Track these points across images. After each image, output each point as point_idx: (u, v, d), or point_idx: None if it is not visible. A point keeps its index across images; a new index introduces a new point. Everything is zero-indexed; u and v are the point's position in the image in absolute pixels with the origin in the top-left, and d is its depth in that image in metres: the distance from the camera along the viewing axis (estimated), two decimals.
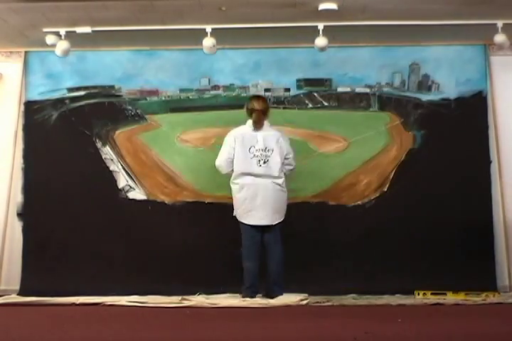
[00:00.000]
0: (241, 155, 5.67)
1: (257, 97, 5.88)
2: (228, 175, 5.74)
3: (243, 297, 5.58)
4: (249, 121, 5.74)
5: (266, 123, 5.76)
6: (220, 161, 5.74)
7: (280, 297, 5.53)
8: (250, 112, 5.75)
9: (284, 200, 5.72)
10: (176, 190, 6.31)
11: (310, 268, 6.05)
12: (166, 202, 6.32)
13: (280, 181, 5.68)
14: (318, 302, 5.49)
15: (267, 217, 5.65)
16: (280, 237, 5.71)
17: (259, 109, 5.72)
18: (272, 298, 5.54)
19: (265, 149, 5.70)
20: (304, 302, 5.42)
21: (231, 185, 5.73)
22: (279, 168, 5.68)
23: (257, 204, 5.64)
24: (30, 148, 6.37)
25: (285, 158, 5.73)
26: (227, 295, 5.81)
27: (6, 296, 5.86)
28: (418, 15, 5.59)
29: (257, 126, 5.71)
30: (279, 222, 5.69)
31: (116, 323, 4.67)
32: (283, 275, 5.64)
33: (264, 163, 5.68)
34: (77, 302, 5.48)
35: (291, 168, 5.80)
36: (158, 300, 5.52)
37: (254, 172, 5.65)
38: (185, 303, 5.42)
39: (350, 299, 5.70)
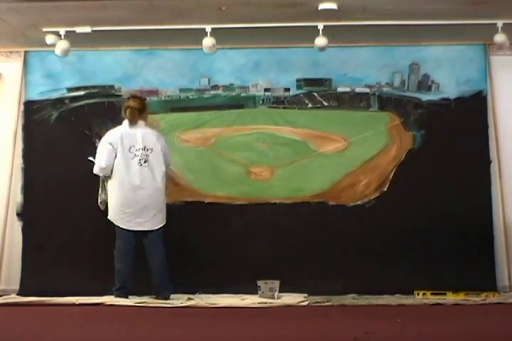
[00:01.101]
0: (121, 156, 5.62)
1: (134, 97, 5.85)
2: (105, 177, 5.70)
3: (115, 297, 5.57)
4: (125, 121, 5.73)
5: (142, 123, 5.73)
6: (103, 163, 5.62)
7: (284, 297, 5.54)
8: (125, 110, 5.73)
9: (163, 202, 5.73)
10: (175, 190, 6.29)
11: (310, 268, 6.05)
12: (166, 201, 6.30)
13: (160, 181, 5.66)
14: (318, 302, 5.48)
15: (148, 223, 5.65)
16: (162, 237, 5.69)
17: (132, 105, 5.69)
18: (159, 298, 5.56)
19: (144, 148, 5.67)
20: (305, 303, 5.42)
21: (108, 186, 5.69)
22: (160, 166, 5.67)
23: (137, 209, 5.61)
24: (29, 148, 6.37)
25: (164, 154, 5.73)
26: (227, 295, 5.81)
27: (6, 296, 5.85)
28: (418, 15, 5.58)
29: (132, 122, 5.68)
30: (161, 227, 5.70)
31: (116, 323, 4.67)
32: (167, 275, 5.64)
33: (145, 162, 5.65)
34: (77, 302, 5.47)
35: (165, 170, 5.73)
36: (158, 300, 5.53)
37: (135, 172, 5.61)
38: (186, 303, 5.42)
39: (350, 299, 5.69)
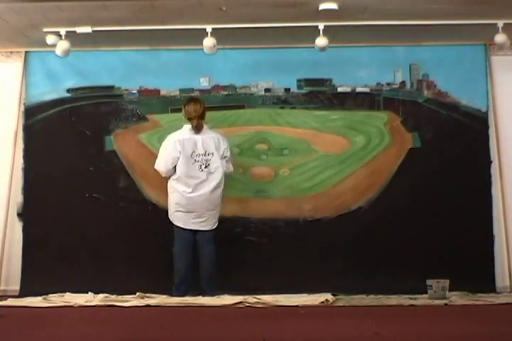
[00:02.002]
0: (183, 161, 5.73)
1: (194, 101, 5.89)
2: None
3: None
4: (187, 126, 5.82)
5: (205, 126, 5.83)
6: (163, 167, 5.80)
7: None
8: (188, 117, 5.82)
9: (219, 206, 5.84)
10: None
11: (310, 268, 6.05)
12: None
13: (220, 187, 5.78)
14: (323, 302, 5.46)
15: (204, 223, 5.77)
16: (213, 238, 5.81)
17: (196, 115, 5.77)
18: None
19: (205, 153, 5.75)
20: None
21: (170, 188, 5.82)
22: (220, 171, 5.77)
23: (195, 211, 5.74)
24: (30, 149, 6.37)
25: (224, 157, 5.82)
26: (226, 295, 5.81)
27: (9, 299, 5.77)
28: (418, 15, 5.58)
29: (197, 130, 5.78)
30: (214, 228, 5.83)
31: (116, 323, 4.67)
32: (215, 276, 5.74)
33: (206, 167, 5.74)
34: (75, 305, 5.44)
35: (227, 170, 5.87)
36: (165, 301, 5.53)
37: (196, 177, 5.73)
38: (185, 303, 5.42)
39: (350, 299, 5.67)
